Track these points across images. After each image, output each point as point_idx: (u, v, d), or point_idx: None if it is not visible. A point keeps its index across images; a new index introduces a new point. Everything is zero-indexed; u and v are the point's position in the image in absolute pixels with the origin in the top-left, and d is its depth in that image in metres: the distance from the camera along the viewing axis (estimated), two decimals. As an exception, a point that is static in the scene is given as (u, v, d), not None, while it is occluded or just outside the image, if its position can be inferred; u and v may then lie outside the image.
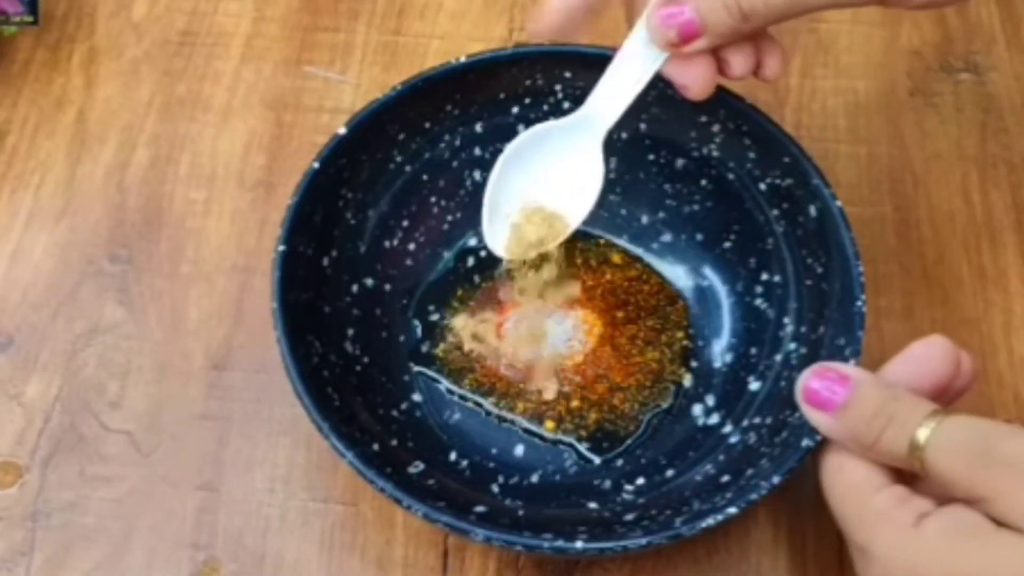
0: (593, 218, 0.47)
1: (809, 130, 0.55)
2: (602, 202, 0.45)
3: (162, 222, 0.53)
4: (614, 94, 0.41)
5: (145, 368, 0.49)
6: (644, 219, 0.51)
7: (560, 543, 0.37)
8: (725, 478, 0.41)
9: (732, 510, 0.37)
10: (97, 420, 0.47)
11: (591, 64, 0.48)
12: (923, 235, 0.53)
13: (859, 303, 0.41)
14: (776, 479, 0.38)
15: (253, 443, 0.47)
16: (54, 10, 0.59)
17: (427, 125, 0.49)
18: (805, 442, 0.39)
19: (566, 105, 0.49)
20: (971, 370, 0.40)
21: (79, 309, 0.50)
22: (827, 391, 0.37)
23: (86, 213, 0.53)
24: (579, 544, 0.37)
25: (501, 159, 0.44)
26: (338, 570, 0.44)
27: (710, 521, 0.37)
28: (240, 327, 0.50)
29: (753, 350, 0.47)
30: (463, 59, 0.47)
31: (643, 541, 0.37)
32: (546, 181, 0.44)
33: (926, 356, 0.39)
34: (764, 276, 0.47)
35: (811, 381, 0.38)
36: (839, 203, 0.43)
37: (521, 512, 0.43)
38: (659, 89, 0.45)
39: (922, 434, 0.35)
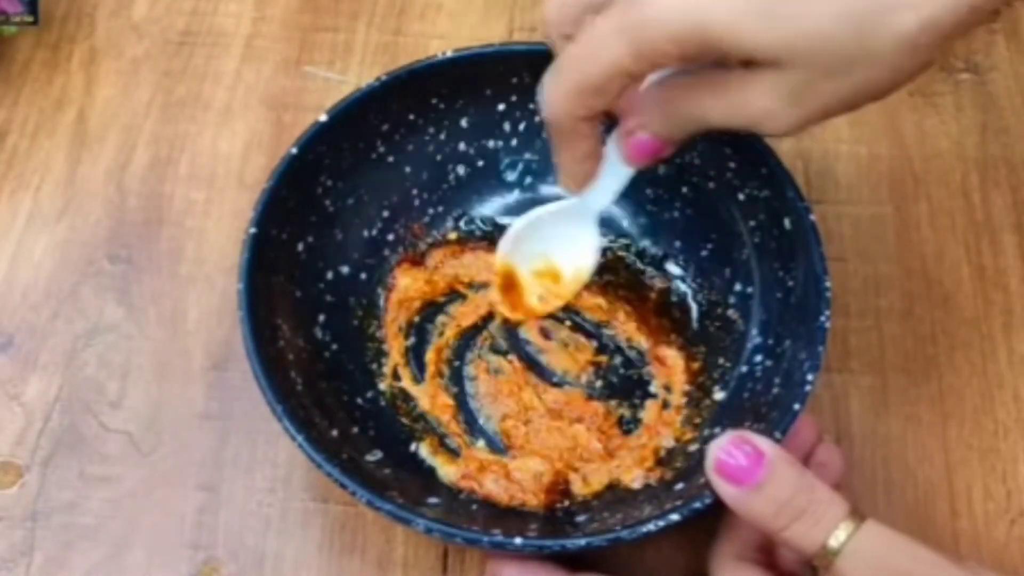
0: None
1: (809, 130, 0.55)
2: None
3: (162, 222, 0.53)
4: (605, 185, 0.42)
5: (145, 368, 0.49)
6: (625, 223, 0.51)
7: (499, 539, 0.37)
8: (680, 485, 0.41)
9: (675, 517, 0.37)
10: (97, 420, 0.47)
11: None
12: (923, 235, 0.53)
13: (823, 318, 0.41)
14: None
15: (253, 443, 0.47)
16: (54, 10, 0.59)
17: (412, 117, 0.49)
18: None
19: None
20: (840, 465, 0.41)
21: (79, 309, 0.50)
22: (742, 467, 0.36)
23: (86, 213, 0.53)
24: (518, 540, 0.37)
25: (504, 243, 0.45)
26: (338, 570, 0.44)
27: (651, 527, 0.37)
28: (240, 327, 0.50)
29: (720, 360, 0.46)
30: (449, 53, 0.47)
31: (582, 542, 0.37)
32: (549, 249, 0.45)
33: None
34: (737, 287, 0.47)
35: (725, 453, 0.37)
36: (812, 217, 0.43)
37: (475, 506, 0.43)
38: None
39: (836, 539, 0.35)
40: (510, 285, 0.45)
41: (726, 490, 0.36)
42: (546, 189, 0.52)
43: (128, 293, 0.51)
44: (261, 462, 0.46)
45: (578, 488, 0.45)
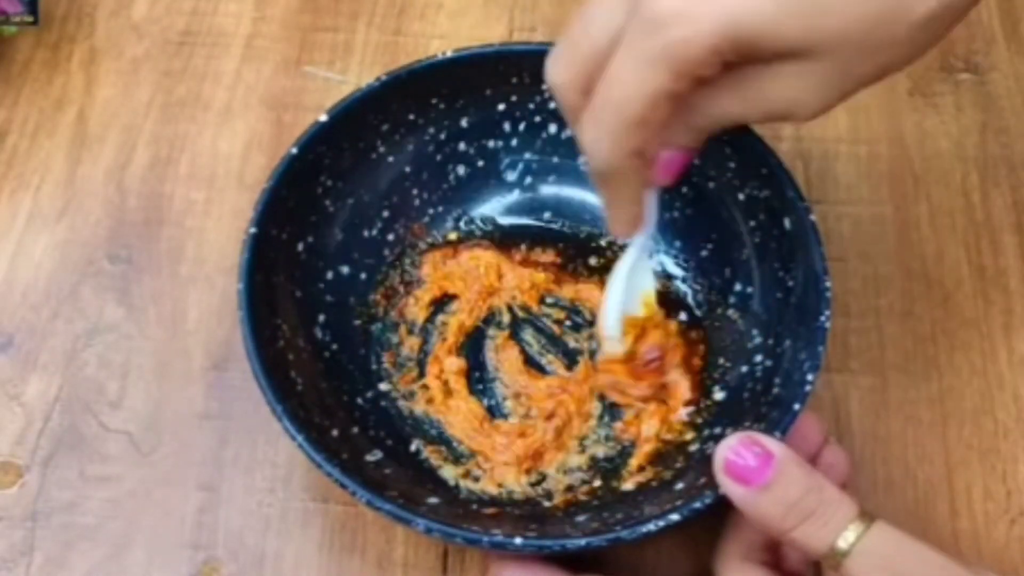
0: (579, 219, 0.49)
1: (809, 130, 0.55)
2: (587, 203, 0.47)
3: (162, 222, 0.53)
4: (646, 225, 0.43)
5: (145, 368, 0.49)
6: None
7: (499, 539, 0.37)
8: (679, 485, 0.41)
9: (675, 517, 0.37)
10: (97, 420, 0.47)
11: None
12: (923, 235, 0.53)
13: (823, 318, 0.41)
14: (722, 490, 0.38)
15: (253, 443, 0.47)
16: (54, 10, 0.59)
17: (412, 117, 0.49)
18: None
19: (552, 105, 0.50)
20: (846, 466, 0.42)
21: (79, 309, 0.50)
22: (751, 468, 0.36)
23: (86, 213, 0.53)
24: (518, 540, 0.37)
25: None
26: (338, 570, 0.44)
27: (651, 527, 0.37)
28: (240, 327, 0.50)
29: (721, 360, 0.46)
30: (448, 53, 0.47)
31: (582, 542, 0.37)
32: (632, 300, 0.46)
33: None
34: (738, 287, 0.47)
35: (734, 453, 0.37)
36: (813, 217, 0.43)
37: (475, 506, 0.43)
38: None
39: (845, 540, 0.35)
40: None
41: (735, 491, 0.37)
42: (546, 189, 0.52)
43: (128, 293, 0.51)
44: (261, 462, 0.46)
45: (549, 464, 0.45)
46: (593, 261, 0.51)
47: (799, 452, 0.38)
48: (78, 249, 0.52)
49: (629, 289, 0.45)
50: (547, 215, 0.51)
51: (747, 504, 0.36)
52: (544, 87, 0.49)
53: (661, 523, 0.37)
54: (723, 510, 0.38)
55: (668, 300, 0.49)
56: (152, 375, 0.49)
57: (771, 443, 0.37)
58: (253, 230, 0.43)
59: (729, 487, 0.37)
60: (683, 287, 0.49)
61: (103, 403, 0.48)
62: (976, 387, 0.48)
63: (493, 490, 0.44)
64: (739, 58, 0.34)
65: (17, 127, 0.56)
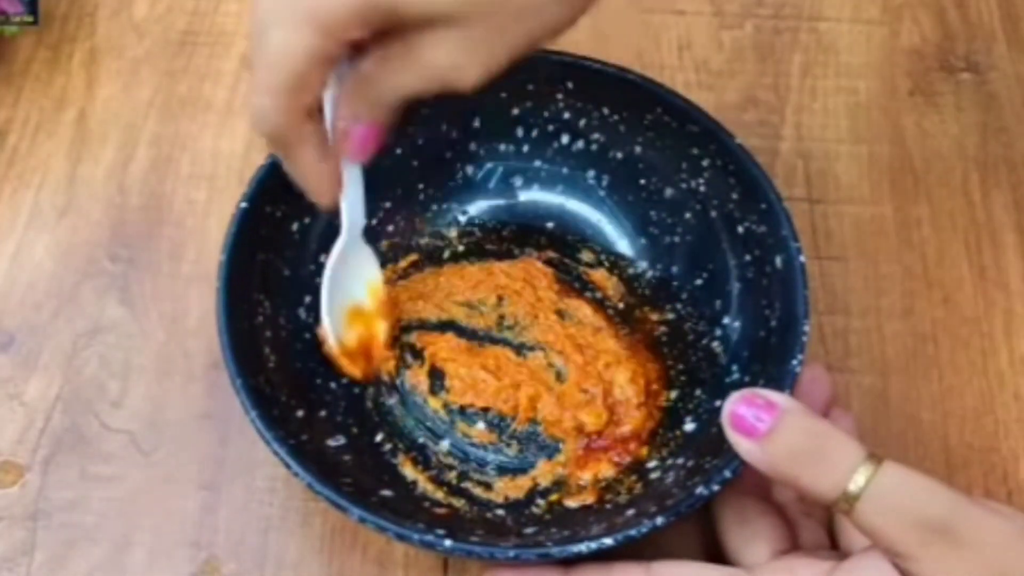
0: (581, 234, 0.50)
1: (810, 130, 0.55)
2: (591, 218, 0.48)
3: (163, 222, 0.53)
4: (350, 197, 0.43)
5: (146, 368, 0.49)
6: (626, 242, 0.51)
7: (429, 538, 0.37)
8: (630, 512, 0.41)
9: (607, 541, 0.37)
10: (98, 419, 0.47)
11: (591, 77, 0.48)
12: (923, 235, 0.53)
13: (795, 362, 0.41)
14: (659, 520, 0.38)
15: (254, 442, 0.46)
16: (54, 10, 0.59)
17: (424, 112, 0.49)
18: (699, 490, 0.38)
19: (566, 115, 0.50)
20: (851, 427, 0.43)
21: (80, 309, 0.50)
22: (753, 418, 0.36)
23: (87, 213, 0.53)
24: (447, 543, 0.37)
25: (325, 324, 0.45)
26: (339, 569, 0.44)
27: (582, 548, 0.37)
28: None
29: (698, 391, 0.46)
30: None
31: (511, 554, 0.37)
32: (348, 296, 0.46)
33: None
34: (725, 320, 0.47)
35: (738, 406, 0.37)
36: (803, 259, 0.43)
37: (427, 504, 0.43)
38: (655, 114, 0.46)
39: (855, 483, 0.35)
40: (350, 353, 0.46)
41: (742, 444, 0.37)
42: (549, 196, 0.51)
43: (129, 292, 0.51)
44: (262, 462, 0.46)
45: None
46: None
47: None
48: (79, 249, 0.52)
49: (346, 277, 0.45)
50: (550, 225, 0.51)
51: (754, 455, 0.36)
52: (559, 95, 0.49)
53: (593, 545, 0.37)
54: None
55: (657, 327, 0.49)
56: (153, 375, 0.49)
57: (773, 394, 0.37)
58: (244, 205, 0.44)
59: (737, 442, 0.37)
60: (673, 314, 0.49)
61: (104, 402, 0.48)
62: (976, 386, 0.48)
63: (442, 496, 0.44)
64: (389, 24, 0.35)
65: (18, 127, 0.56)
